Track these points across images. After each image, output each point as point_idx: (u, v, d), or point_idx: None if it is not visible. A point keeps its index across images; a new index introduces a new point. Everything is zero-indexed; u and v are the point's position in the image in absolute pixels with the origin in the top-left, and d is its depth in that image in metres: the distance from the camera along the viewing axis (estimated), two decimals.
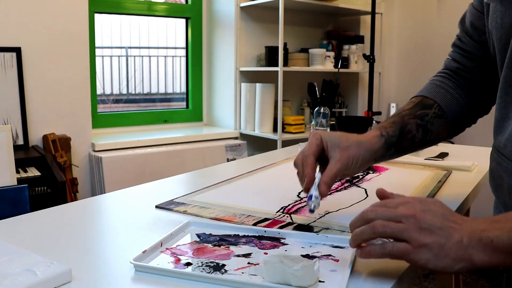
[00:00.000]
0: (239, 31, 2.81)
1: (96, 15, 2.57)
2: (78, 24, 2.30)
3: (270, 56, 2.73)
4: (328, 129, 1.53)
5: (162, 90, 3.04)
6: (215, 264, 0.64)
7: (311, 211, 0.76)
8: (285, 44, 2.73)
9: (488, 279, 2.60)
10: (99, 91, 2.68)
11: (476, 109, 0.95)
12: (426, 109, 0.89)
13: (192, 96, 3.03)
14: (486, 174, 1.20)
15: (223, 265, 0.64)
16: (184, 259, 0.66)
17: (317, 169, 0.80)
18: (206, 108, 3.08)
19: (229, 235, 0.76)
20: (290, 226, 0.80)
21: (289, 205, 0.92)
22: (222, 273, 0.61)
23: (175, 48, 3.05)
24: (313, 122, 1.56)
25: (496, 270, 0.80)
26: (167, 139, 2.59)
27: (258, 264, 0.64)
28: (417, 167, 1.28)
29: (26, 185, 1.45)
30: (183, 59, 3.04)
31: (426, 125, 0.88)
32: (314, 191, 0.76)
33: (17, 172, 1.84)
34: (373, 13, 2.76)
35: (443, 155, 1.43)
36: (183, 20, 2.98)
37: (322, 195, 0.76)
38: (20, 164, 1.92)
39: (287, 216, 0.86)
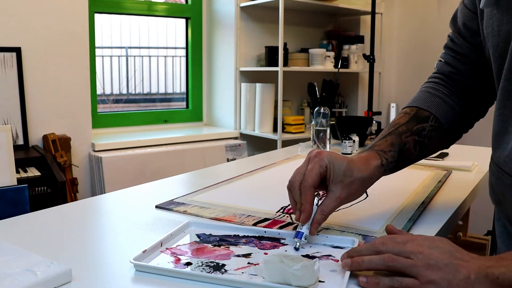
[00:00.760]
0: (239, 31, 2.81)
1: (96, 15, 2.57)
2: (78, 24, 2.30)
3: (270, 56, 2.73)
4: (328, 130, 1.53)
5: (162, 90, 3.04)
6: (215, 264, 0.64)
7: (296, 249, 0.70)
8: (285, 44, 2.73)
9: None
10: (99, 91, 2.68)
11: (472, 114, 0.93)
12: (422, 123, 0.87)
13: (192, 96, 3.03)
14: (486, 174, 1.20)
15: (223, 265, 0.64)
16: (184, 259, 0.66)
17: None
18: (206, 108, 3.08)
19: (229, 235, 0.76)
20: (290, 226, 0.80)
21: (289, 205, 0.92)
22: (222, 273, 0.61)
23: (175, 48, 3.05)
24: (313, 122, 1.56)
25: None
26: (167, 139, 2.59)
27: (258, 264, 0.64)
28: (417, 167, 1.28)
29: (26, 185, 1.45)
30: (183, 59, 3.04)
31: (423, 141, 0.87)
32: (305, 230, 0.72)
33: (17, 172, 1.85)
34: (373, 13, 2.76)
35: (443, 155, 1.43)
36: (183, 20, 2.98)
37: (311, 234, 0.73)
38: (20, 164, 1.93)
39: (287, 216, 0.86)
